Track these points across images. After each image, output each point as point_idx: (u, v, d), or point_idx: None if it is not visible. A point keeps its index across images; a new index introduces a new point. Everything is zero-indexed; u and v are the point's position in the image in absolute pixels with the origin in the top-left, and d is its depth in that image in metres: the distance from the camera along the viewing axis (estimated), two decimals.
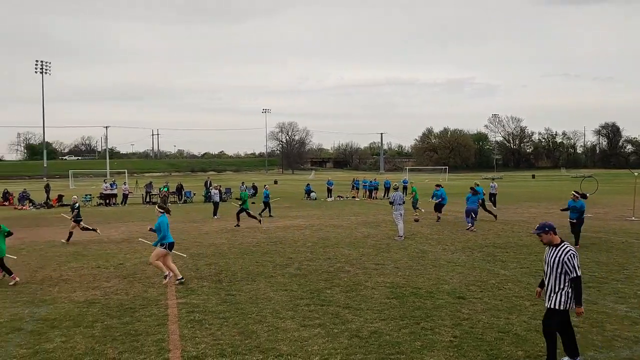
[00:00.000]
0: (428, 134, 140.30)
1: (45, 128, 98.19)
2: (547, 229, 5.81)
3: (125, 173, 58.39)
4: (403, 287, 9.63)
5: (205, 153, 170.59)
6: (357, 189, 37.19)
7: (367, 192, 36.19)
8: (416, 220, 20.07)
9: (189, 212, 25.59)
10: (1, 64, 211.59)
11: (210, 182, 38.60)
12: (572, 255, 5.61)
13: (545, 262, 5.90)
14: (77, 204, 16.51)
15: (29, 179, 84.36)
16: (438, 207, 20.80)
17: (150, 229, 10.84)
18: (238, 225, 19.27)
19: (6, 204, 33.24)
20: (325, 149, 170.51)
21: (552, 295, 5.74)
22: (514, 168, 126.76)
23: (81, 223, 16.31)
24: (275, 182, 63.06)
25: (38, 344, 6.85)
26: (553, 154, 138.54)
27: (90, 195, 34.20)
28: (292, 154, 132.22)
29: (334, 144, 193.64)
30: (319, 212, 25.10)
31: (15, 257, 12.05)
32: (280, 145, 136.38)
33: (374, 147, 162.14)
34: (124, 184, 36.55)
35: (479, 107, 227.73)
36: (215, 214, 23.58)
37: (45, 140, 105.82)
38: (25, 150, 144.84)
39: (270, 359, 6.22)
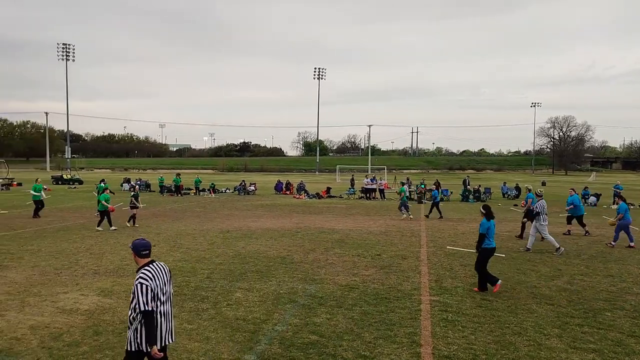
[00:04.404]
0: None
1: (319, 128, 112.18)
2: (131, 247, 4.54)
3: (384, 169, 61.84)
4: None
5: (464, 151, 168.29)
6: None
7: None
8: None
9: (445, 210, 25.43)
10: (293, 74, 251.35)
11: (468, 180, 37.76)
12: (138, 283, 4.33)
13: None
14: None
15: (305, 172, 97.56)
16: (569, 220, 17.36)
17: None
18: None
19: (287, 193, 39.02)
20: (611, 147, 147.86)
21: None
22: None
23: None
24: (543, 184, 57.43)
25: (308, 317, 7.66)
26: None
27: (353, 189, 37.38)
28: (567, 153, 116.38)
29: (624, 141, 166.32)
30: (600, 221, 21.45)
31: None
32: (552, 143, 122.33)
33: None
34: (380, 179, 38.77)
35: None
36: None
37: (319, 138, 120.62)
38: (303, 147, 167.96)
39: None
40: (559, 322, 7.52)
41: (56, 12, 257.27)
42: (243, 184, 39.28)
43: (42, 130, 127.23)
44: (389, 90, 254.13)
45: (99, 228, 16.92)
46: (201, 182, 37.77)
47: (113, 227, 16.97)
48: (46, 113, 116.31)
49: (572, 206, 17.22)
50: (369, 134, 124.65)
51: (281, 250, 13.39)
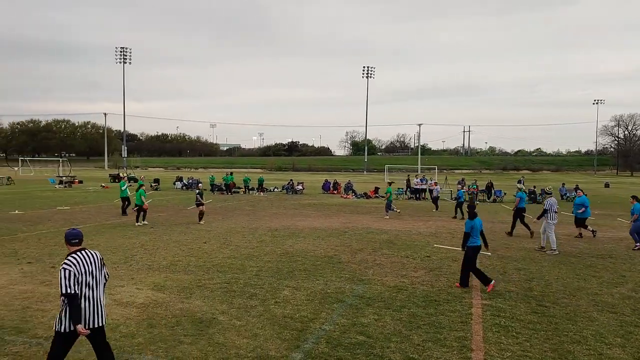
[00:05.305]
0: None
1: (367, 127, 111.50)
2: (64, 237, 4.99)
3: (435, 169, 60.65)
4: None
5: (519, 150, 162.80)
6: None
7: None
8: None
9: (498, 212, 24.67)
10: (342, 73, 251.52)
11: (523, 181, 36.51)
12: (62, 268, 4.77)
13: None
14: None
15: (352, 172, 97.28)
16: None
17: None
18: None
19: (335, 192, 39.00)
20: None
21: None
22: None
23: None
24: (607, 185, 54.59)
25: (355, 317, 7.60)
26: None
27: (402, 189, 36.90)
28: (632, 152, 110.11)
29: None
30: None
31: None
32: (616, 142, 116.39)
33: None
34: (430, 179, 38.12)
35: None
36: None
37: (367, 137, 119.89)
38: (351, 147, 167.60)
39: None
40: (622, 331, 7.11)
41: (113, 14, 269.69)
42: (291, 183, 39.61)
43: (101, 131, 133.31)
44: (439, 89, 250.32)
45: (138, 223, 17.69)
46: (250, 180, 38.41)
47: (139, 223, 17.72)
48: (105, 114, 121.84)
49: (583, 209, 16.52)
50: (419, 133, 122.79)
51: (328, 249, 13.38)
